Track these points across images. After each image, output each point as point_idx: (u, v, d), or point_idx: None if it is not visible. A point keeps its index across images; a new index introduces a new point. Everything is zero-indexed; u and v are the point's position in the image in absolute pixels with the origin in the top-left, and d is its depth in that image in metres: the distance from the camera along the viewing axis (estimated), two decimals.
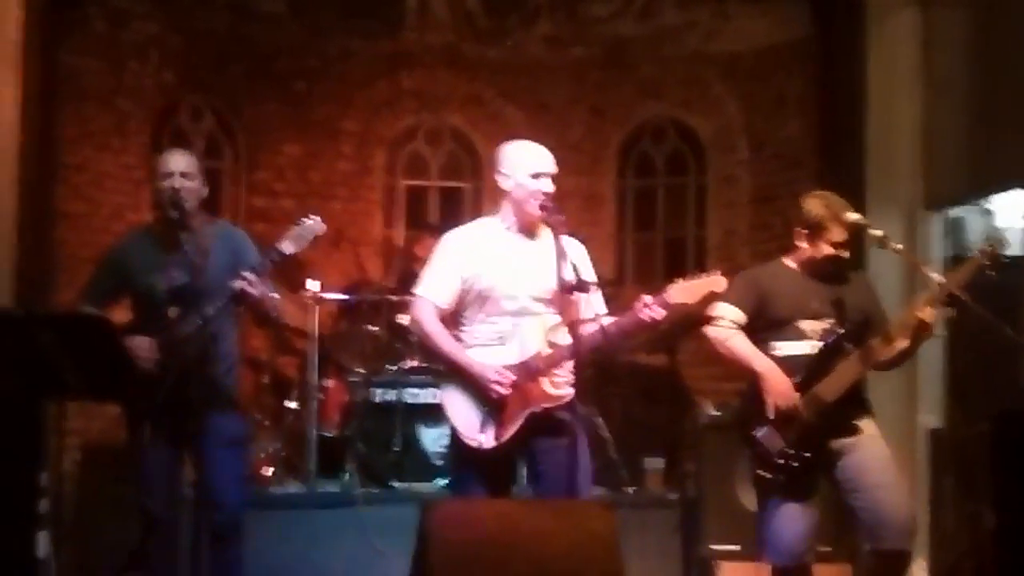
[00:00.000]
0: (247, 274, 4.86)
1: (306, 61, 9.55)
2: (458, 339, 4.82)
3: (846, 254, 5.06)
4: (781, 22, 8.97)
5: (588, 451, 4.77)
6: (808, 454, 4.94)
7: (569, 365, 4.70)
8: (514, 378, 4.64)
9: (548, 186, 4.76)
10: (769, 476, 5.00)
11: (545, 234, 4.81)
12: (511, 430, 4.65)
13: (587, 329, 4.59)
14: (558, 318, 4.71)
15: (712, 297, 4.86)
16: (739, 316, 5.07)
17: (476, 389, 4.69)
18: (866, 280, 5.35)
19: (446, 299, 4.80)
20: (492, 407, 4.67)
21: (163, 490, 5.02)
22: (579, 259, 4.76)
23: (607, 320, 4.66)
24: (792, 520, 5.00)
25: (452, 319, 4.86)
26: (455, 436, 4.77)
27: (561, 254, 4.58)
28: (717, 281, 4.72)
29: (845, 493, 5.00)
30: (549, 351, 4.67)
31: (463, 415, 4.73)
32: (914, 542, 5.09)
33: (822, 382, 4.95)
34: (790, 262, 5.17)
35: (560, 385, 4.69)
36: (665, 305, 4.61)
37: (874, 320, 5.09)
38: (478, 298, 4.78)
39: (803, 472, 4.96)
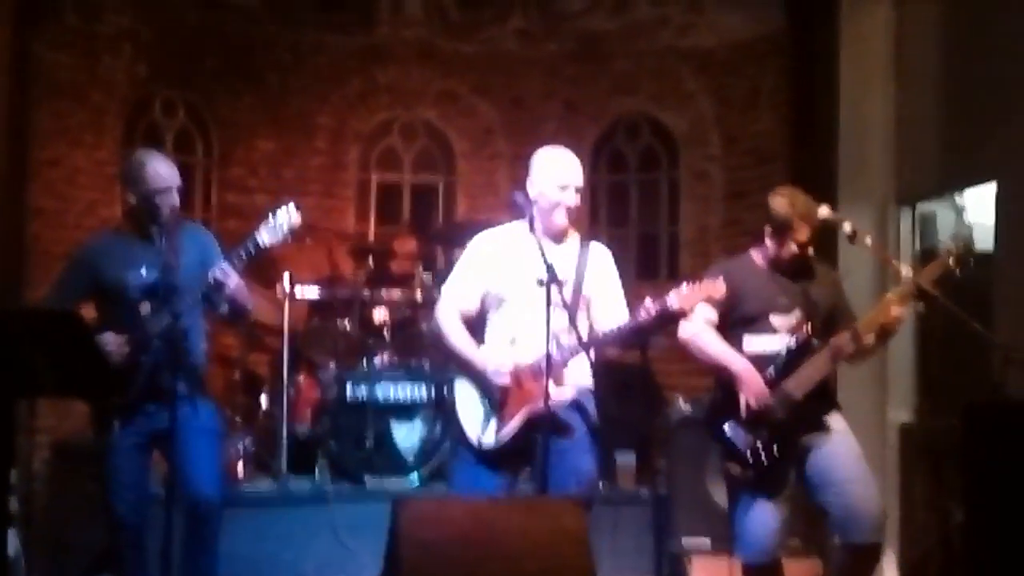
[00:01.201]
0: (223, 265, 4.88)
1: (279, 55, 9.51)
2: (479, 338, 4.98)
3: (811, 252, 5.11)
4: (754, 17, 8.97)
5: (591, 451, 4.89)
6: (776, 449, 4.96)
7: (576, 367, 4.82)
8: (511, 368, 4.78)
9: (571, 197, 4.89)
10: (738, 471, 5.03)
11: (572, 240, 4.97)
12: (512, 427, 4.79)
13: (597, 332, 4.79)
14: (567, 321, 4.75)
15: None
16: (711, 312, 5.09)
17: (480, 383, 4.86)
18: (832, 274, 5.38)
19: (467, 297, 5.00)
20: (495, 403, 4.83)
21: (131, 490, 5.01)
22: (602, 265, 4.95)
23: (609, 324, 4.79)
24: (763, 515, 5.03)
25: (477, 318, 5.04)
26: (460, 429, 4.92)
27: (542, 250, 4.66)
28: (717, 287, 4.75)
29: (815, 488, 5.03)
30: (555, 352, 4.71)
31: (468, 410, 4.89)
32: (884, 535, 5.13)
33: (790, 378, 4.98)
34: (757, 258, 5.20)
35: (563, 385, 4.76)
36: (664, 309, 4.67)
37: (839, 315, 5.14)
38: (496, 299, 4.95)
39: (772, 467, 4.98)
